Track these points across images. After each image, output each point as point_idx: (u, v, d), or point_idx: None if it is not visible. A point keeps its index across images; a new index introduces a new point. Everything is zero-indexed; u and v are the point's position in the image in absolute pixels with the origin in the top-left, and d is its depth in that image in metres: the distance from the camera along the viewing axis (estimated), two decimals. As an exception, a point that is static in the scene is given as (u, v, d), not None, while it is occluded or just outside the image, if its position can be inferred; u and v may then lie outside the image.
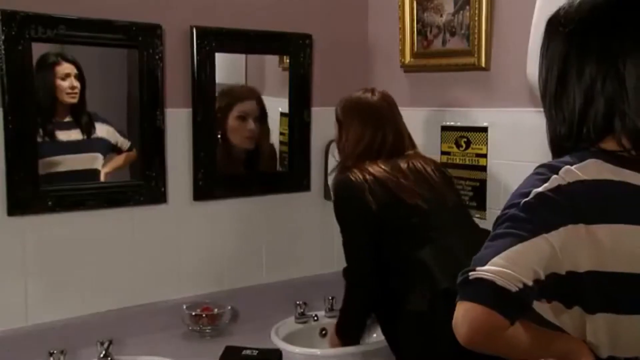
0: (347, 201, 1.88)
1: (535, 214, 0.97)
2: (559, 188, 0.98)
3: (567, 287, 0.98)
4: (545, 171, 1.01)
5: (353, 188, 1.83)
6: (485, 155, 2.15)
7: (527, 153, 1.92)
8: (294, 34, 2.33)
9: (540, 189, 0.98)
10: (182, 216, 2.18)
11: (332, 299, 2.29)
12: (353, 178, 1.84)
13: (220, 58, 2.19)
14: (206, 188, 2.20)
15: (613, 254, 0.96)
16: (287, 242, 2.41)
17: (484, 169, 2.16)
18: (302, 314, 2.26)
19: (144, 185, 2.08)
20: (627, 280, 0.97)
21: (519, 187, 1.02)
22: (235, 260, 2.29)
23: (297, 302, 2.26)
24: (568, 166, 1.00)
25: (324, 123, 2.41)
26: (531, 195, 0.98)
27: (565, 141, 1.05)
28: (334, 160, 2.34)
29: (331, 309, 2.29)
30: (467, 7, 2.13)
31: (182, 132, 2.14)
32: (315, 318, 2.27)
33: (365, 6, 2.52)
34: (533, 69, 1.67)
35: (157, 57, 2.04)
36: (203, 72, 2.13)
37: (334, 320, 2.25)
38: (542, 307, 1.02)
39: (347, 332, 2.00)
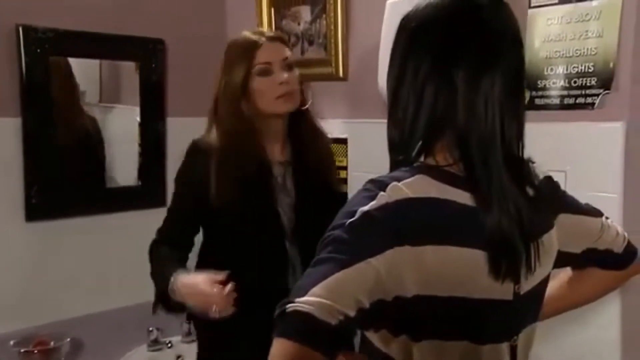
0: None
1: (360, 236, 0.88)
2: (385, 206, 0.90)
3: (394, 314, 0.90)
4: (373, 187, 0.93)
5: None
6: (345, 168, 2.09)
7: (386, 166, 1.85)
8: (143, 38, 2.17)
9: (366, 208, 0.90)
10: (13, 239, 1.95)
11: (190, 322, 2.13)
12: None
13: (72, 63, 2.03)
14: (42, 207, 1.98)
15: (437, 277, 0.90)
16: (139, 263, 2.20)
17: (344, 181, 2.09)
18: (155, 341, 2.12)
19: (-36, 205, 1.84)
20: (451, 304, 0.91)
21: (347, 204, 0.93)
22: (77, 285, 2.08)
23: (150, 329, 2.10)
24: (395, 182, 0.92)
25: (182, 133, 2.24)
26: (357, 215, 0.89)
27: (398, 147, 0.98)
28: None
29: (188, 334, 2.14)
30: (324, 16, 2.06)
31: (9, 144, 1.92)
32: (169, 345, 2.13)
33: (223, 13, 2.40)
34: (384, 80, 1.63)
35: (-25, 59, 1.82)
36: (34, 77, 1.92)
37: (191, 346, 2.11)
38: (371, 335, 0.95)
39: None
